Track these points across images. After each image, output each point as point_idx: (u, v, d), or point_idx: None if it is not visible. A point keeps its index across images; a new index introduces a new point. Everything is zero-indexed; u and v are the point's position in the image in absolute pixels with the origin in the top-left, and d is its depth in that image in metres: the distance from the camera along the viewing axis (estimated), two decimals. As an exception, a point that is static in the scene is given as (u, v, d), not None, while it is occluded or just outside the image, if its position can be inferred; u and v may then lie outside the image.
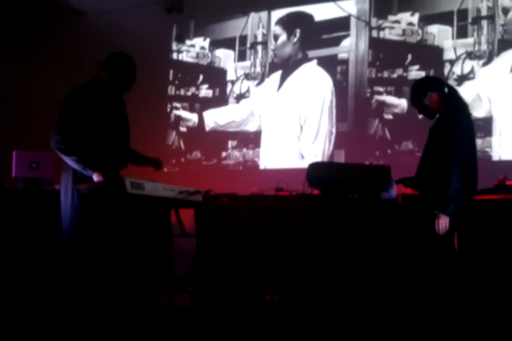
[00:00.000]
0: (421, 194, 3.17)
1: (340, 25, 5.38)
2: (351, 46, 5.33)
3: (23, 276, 4.11)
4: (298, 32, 5.60)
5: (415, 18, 5.07)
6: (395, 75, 5.12)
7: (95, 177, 3.06)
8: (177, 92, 6.13)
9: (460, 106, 3.09)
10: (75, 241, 3.09)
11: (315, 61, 5.47)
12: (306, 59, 5.53)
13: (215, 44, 5.98)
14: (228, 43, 5.91)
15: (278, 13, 5.73)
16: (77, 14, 6.44)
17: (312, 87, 5.47)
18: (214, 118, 5.87)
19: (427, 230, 2.95)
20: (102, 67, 3.23)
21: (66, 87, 3.44)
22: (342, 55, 5.37)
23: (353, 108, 5.27)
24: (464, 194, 2.92)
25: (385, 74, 5.16)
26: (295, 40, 5.61)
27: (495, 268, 3.43)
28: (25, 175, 4.51)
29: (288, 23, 5.68)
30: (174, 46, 6.19)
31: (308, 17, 5.57)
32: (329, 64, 5.40)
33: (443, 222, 2.91)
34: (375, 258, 3.72)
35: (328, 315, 3.44)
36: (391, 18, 5.18)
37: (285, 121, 5.54)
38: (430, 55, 4.99)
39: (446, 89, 3.13)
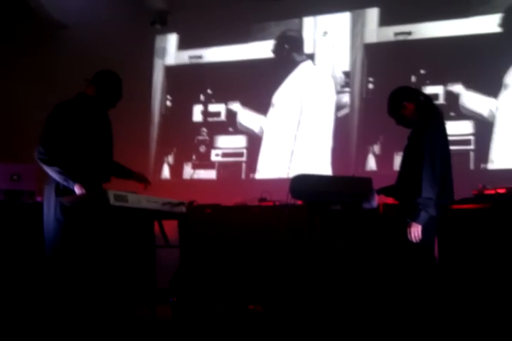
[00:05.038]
0: (400, 204, 3.19)
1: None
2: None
3: (3, 290, 4.07)
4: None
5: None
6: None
7: (76, 189, 3.06)
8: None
9: (433, 116, 3.11)
10: (58, 254, 3.09)
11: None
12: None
13: (198, 57, 6.02)
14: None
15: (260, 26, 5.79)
16: (60, 27, 6.46)
17: (288, 95, 5.58)
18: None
19: (407, 239, 2.97)
20: (89, 83, 3.28)
21: (47, 99, 3.46)
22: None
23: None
24: (437, 203, 2.94)
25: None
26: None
27: (475, 276, 3.48)
28: (5, 188, 4.48)
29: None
30: (157, 58, 6.21)
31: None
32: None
33: (414, 230, 2.93)
34: (358, 268, 3.75)
35: (312, 324, 3.46)
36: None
37: (269, 133, 5.60)
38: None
39: (421, 98, 3.15)
